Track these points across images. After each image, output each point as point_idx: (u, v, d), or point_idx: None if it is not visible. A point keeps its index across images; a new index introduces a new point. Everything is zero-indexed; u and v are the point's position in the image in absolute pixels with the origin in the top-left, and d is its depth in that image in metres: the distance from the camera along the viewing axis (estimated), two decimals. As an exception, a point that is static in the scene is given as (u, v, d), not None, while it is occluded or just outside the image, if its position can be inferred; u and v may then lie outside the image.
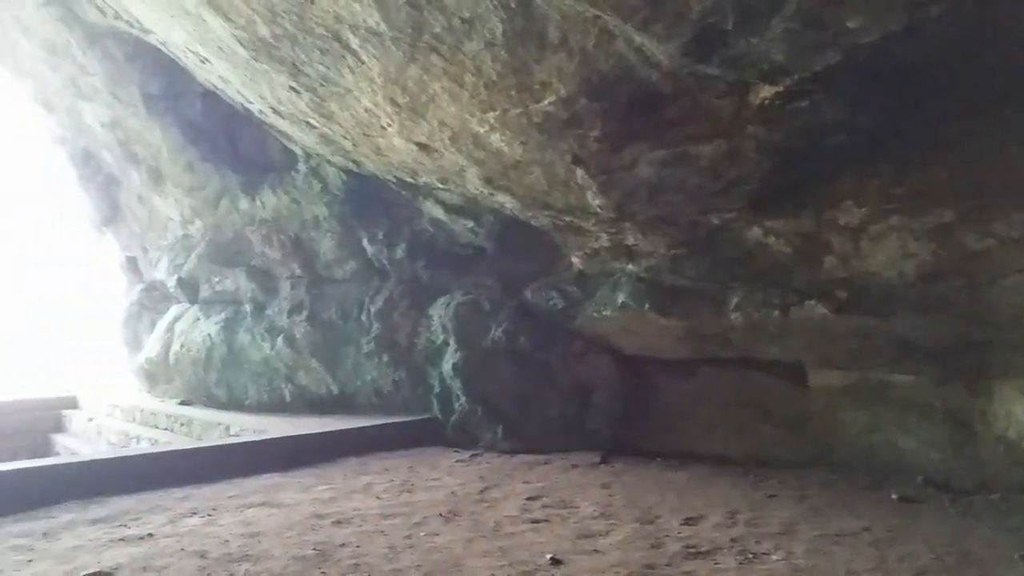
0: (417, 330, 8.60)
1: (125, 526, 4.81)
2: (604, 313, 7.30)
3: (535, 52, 4.60)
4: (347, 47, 5.40)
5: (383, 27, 4.94)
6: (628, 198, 5.79)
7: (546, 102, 4.98)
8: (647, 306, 6.91)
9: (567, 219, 6.68)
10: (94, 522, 4.90)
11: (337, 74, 5.88)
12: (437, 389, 8.27)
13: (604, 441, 7.65)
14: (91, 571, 3.85)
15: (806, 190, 5.32)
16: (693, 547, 4.29)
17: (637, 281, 7.03)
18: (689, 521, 4.90)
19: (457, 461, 7.06)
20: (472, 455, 7.32)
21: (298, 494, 5.70)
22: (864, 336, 6.13)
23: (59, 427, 12.68)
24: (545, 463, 6.92)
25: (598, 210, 6.08)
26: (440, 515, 5.00)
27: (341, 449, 7.29)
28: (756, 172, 5.12)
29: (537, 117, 5.17)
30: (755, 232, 5.80)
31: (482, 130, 5.59)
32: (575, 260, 7.44)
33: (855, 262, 5.50)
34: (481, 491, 5.77)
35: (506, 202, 6.84)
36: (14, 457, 9.58)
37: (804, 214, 5.47)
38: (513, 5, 4.27)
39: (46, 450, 12.13)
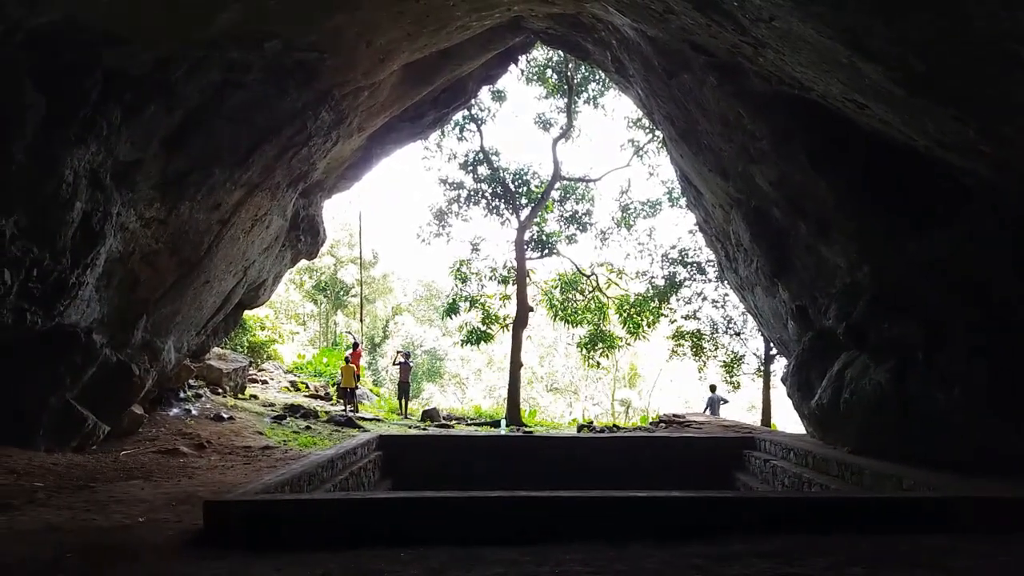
0: None
1: (789, 564, 5.08)
2: None
3: None
4: (1017, 61, 4.73)
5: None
6: None
7: None
8: None
9: None
10: (760, 555, 5.31)
11: (1008, 94, 5.19)
12: None
13: None
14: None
15: None
16: None
17: None
18: None
19: None
20: None
21: (972, 561, 5.09)
22: None
23: (739, 465, 13.96)
24: None
25: None
26: None
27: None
28: None
29: None
30: None
31: None
32: None
33: None
34: None
35: None
36: (702, 486, 10.89)
37: None
38: None
39: (725, 484, 13.44)
